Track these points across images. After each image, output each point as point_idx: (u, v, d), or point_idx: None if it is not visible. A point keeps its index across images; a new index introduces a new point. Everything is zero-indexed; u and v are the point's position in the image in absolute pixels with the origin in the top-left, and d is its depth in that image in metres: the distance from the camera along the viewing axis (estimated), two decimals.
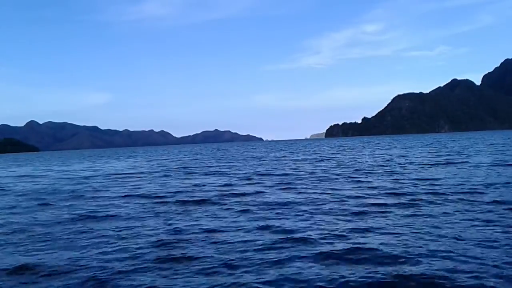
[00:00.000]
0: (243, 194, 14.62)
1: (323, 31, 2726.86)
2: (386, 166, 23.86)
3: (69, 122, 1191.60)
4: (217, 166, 32.13)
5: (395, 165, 23.88)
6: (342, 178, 18.66)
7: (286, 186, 16.39)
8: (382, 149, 49.18)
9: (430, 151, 37.88)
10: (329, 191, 14.24)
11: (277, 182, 18.21)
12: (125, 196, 15.52)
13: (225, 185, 18.29)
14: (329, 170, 22.82)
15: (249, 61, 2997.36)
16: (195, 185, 18.71)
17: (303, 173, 21.92)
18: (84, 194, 16.78)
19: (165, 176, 24.09)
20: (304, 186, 16.16)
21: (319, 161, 32.19)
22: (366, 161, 28.43)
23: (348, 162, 29.00)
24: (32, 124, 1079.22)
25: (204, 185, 18.32)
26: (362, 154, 37.24)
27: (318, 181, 17.60)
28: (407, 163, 25.34)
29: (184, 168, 30.53)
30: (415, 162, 25.48)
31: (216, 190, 16.18)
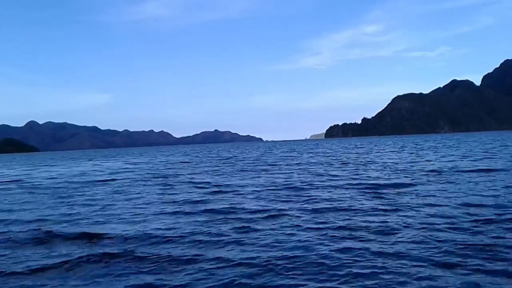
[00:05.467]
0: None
1: (323, 32, 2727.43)
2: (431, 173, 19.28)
3: (69, 122, 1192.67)
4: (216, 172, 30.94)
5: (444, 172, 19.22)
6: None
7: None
8: (396, 151, 47.71)
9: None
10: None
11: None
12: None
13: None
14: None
15: (249, 62, 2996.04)
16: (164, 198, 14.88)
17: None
18: None
19: (143, 185, 20.45)
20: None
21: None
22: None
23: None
24: (32, 124, 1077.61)
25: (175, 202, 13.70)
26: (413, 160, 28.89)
27: None
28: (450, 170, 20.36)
29: (165, 174, 28.83)
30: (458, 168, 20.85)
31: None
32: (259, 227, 9.20)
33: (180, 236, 8.57)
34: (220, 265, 6.63)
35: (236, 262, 6.72)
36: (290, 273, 6.20)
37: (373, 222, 9.20)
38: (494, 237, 7.58)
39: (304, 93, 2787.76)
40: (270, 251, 7.29)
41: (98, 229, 9.70)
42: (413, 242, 7.46)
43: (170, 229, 9.36)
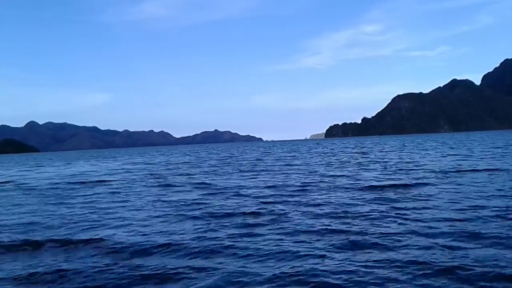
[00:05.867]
0: None
1: (323, 31, 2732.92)
2: None
3: (69, 122, 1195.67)
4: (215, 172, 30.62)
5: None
6: None
7: None
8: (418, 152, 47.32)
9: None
10: None
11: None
12: None
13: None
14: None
15: (249, 62, 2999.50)
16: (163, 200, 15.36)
17: None
18: None
19: (141, 187, 20.56)
20: None
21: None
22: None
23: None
24: (32, 125, 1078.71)
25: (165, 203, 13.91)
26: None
27: None
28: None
29: (159, 176, 25.74)
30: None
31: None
32: (258, 231, 8.92)
33: (177, 241, 8.26)
34: (218, 274, 6.35)
35: (234, 270, 6.45)
36: (291, 281, 5.94)
37: (374, 226, 8.91)
38: (499, 240, 7.32)
39: (304, 93, 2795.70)
40: (269, 259, 6.99)
41: (93, 234, 9.39)
42: (416, 247, 7.17)
43: (167, 233, 9.08)
